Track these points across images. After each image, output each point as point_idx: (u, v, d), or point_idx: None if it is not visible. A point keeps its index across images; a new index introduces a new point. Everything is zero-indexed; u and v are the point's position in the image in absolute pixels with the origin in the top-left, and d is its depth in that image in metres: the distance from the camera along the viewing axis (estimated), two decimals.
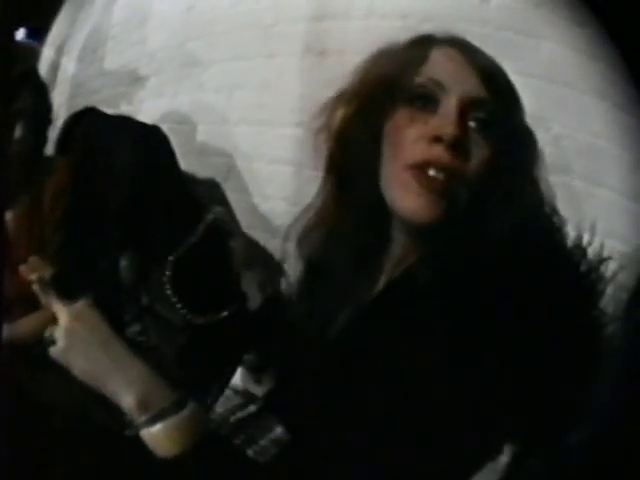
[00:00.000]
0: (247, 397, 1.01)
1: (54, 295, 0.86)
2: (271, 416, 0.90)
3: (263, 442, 0.85)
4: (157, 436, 0.77)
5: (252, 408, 0.97)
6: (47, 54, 3.00)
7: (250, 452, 0.84)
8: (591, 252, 0.81)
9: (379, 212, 0.90)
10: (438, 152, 0.83)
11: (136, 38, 2.60)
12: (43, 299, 0.87)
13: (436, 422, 0.72)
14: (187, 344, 1.56)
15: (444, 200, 0.83)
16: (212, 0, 2.24)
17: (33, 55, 2.85)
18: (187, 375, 1.34)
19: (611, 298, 0.82)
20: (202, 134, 2.24)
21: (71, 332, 0.83)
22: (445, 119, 0.84)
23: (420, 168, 0.84)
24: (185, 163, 2.13)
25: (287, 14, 1.96)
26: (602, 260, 0.81)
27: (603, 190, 1.32)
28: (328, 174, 0.98)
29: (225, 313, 1.22)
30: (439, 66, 0.88)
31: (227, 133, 2.15)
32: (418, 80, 0.88)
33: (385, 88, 0.90)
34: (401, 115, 0.88)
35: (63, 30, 3.01)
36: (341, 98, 0.95)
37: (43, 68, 2.91)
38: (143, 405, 0.78)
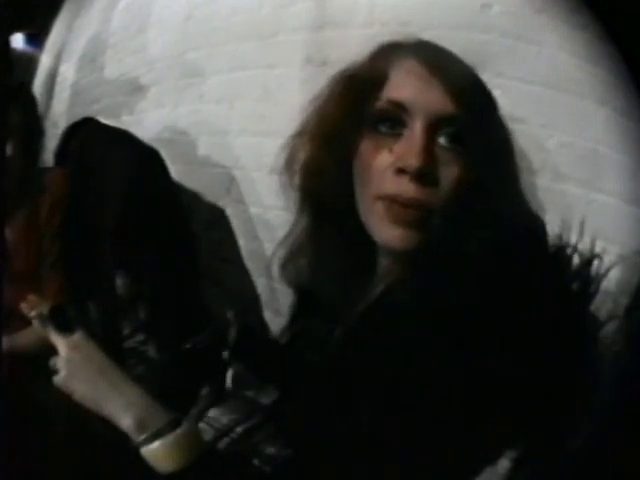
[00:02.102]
0: (250, 407, 1.03)
1: (53, 329, 0.91)
2: (274, 427, 0.93)
3: (267, 452, 0.89)
4: (156, 453, 0.81)
5: (256, 419, 0.98)
6: (45, 62, 3.01)
7: (256, 462, 0.88)
8: (580, 253, 0.78)
9: (362, 237, 0.88)
10: (404, 186, 0.81)
11: (135, 46, 2.60)
12: (43, 332, 0.92)
13: (434, 431, 0.71)
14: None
15: (419, 230, 0.81)
16: (211, 9, 2.25)
17: (31, 63, 2.86)
18: (182, 386, 1.34)
19: (611, 301, 0.82)
20: (204, 145, 2.24)
21: (71, 361, 0.88)
22: (410, 146, 0.81)
23: (390, 201, 0.82)
24: (187, 174, 2.14)
25: (287, 23, 1.96)
26: (592, 259, 0.79)
27: (603, 195, 1.32)
28: (302, 206, 0.96)
29: (197, 340, 1.23)
30: (400, 85, 0.83)
31: (229, 144, 2.15)
32: (379, 105, 0.84)
33: (346, 120, 0.87)
34: (367, 144, 0.85)
35: (61, 37, 3.01)
36: (302, 136, 0.93)
37: (41, 76, 2.92)
38: (141, 425, 0.82)
